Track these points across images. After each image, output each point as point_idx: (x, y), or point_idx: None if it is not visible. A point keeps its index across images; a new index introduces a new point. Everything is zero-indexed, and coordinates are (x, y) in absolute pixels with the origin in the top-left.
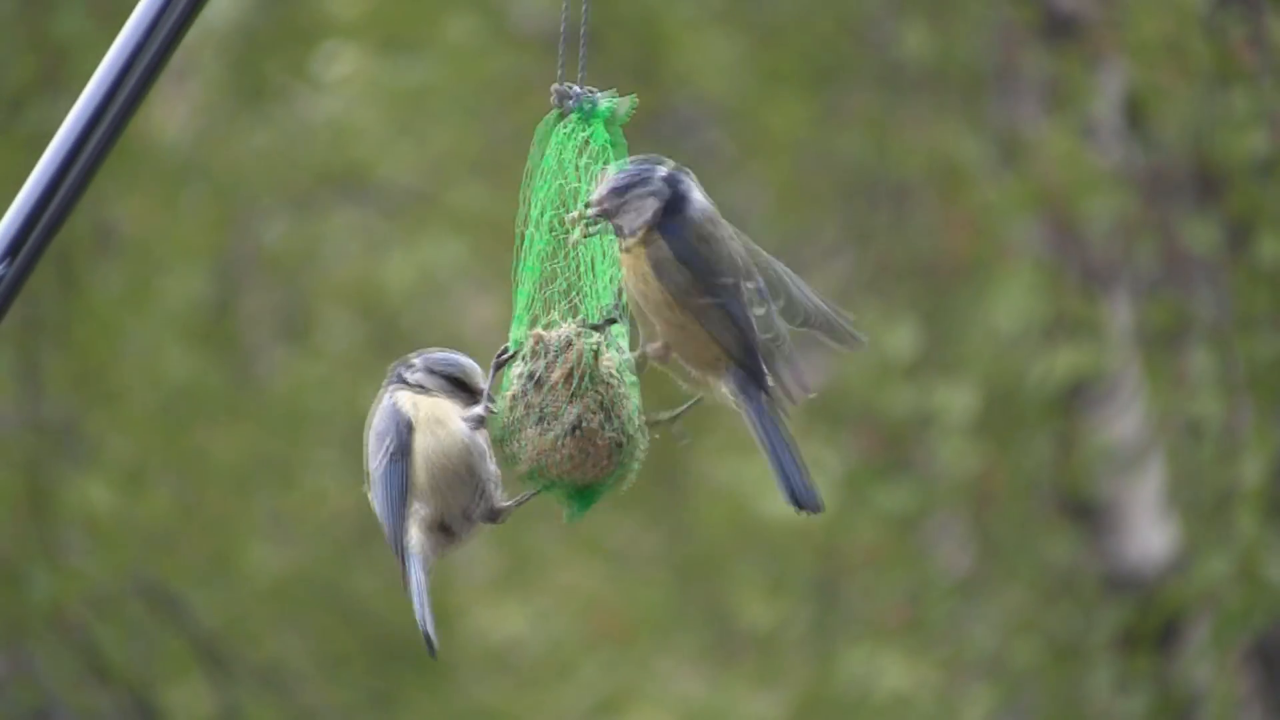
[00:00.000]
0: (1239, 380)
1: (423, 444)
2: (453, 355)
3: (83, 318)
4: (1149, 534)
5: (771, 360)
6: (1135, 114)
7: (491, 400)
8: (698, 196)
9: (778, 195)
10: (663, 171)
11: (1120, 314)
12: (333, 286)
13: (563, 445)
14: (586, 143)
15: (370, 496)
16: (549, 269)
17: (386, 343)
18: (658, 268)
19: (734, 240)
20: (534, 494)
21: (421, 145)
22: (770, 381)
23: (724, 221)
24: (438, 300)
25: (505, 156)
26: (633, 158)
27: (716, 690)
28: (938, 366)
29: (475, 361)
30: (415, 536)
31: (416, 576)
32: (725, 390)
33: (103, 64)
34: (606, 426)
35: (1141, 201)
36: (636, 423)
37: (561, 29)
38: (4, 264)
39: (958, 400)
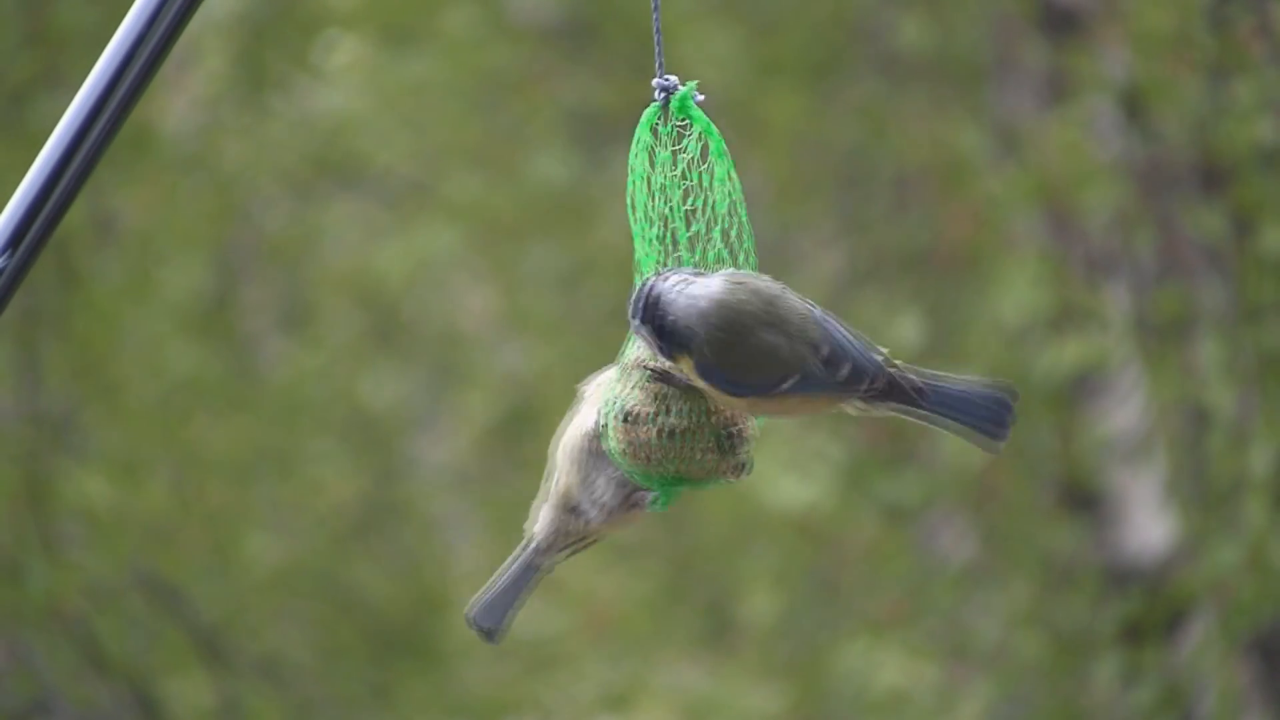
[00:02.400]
0: (1247, 370)
1: (565, 420)
2: None
3: (82, 309)
4: (1148, 525)
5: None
6: (1135, 105)
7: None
8: (680, 314)
9: (776, 186)
10: (639, 300)
11: (1121, 305)
12: (332, 277)
13: (615, 431)
14: (700, 137)
15: None
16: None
17: (386, 333)
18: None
19: (778, 312)
20: (643, 489)
21: (420, 136)
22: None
23: (759, 288)
24: (436, 290)
25: (503, 148)
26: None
27: (716, 682)
28: (942, 358)
29: None
30: (542, 517)
31: (513, 559)
32: (859, 409)
33: (104, 55)
34: (661, 416)
35: (1141, 193)
36: (702, 417)
37: (654, 22)
38: (5, 256)
39: None
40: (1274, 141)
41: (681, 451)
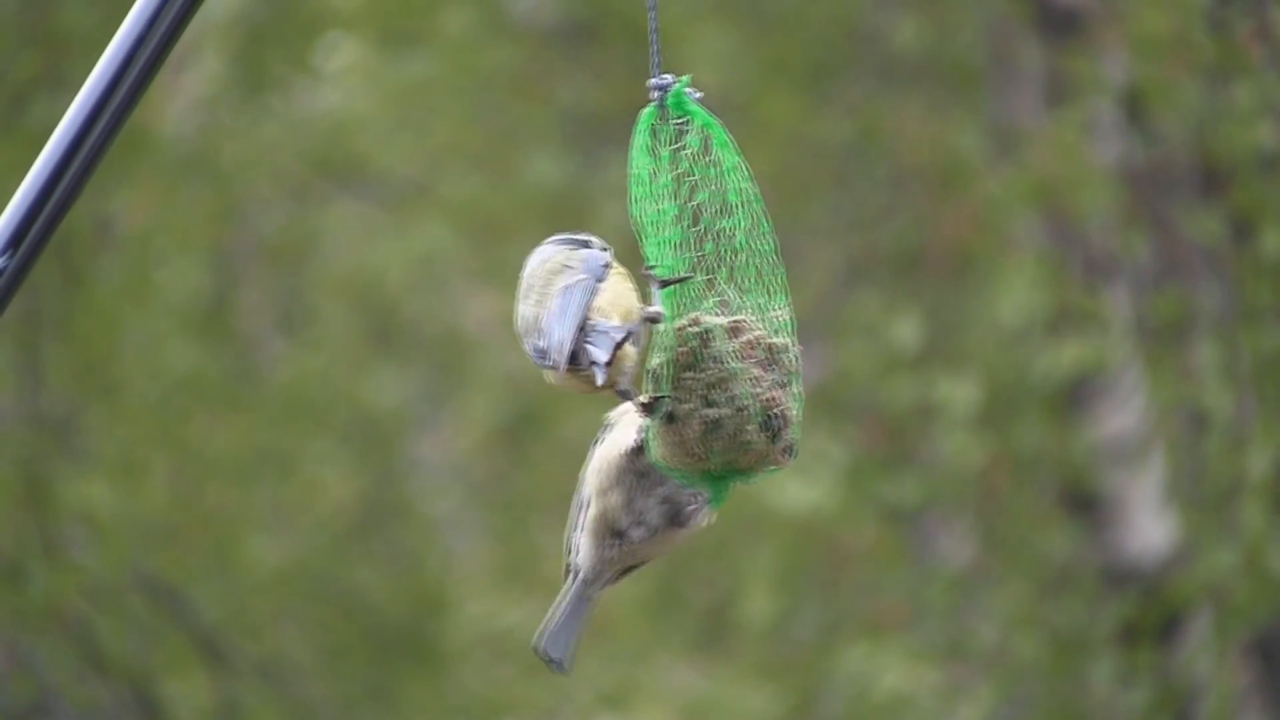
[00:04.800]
0: (1244, 373)
1: (598, 450)
2: None
3: (83, 310)
4: (1149, 527)
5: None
6: (1135, 108)
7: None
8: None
9: (774, 186)
10: None
11: (1121, 307)
12: (332, 278)
13: (659, 436)
14: (702, 131)
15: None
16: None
17: (385, 334)
18: None
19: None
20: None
21: (420, 137)
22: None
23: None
24: (437, 292)
25: (501, 148)
26: None
27: (715, 684)
28: (940, 359)
29: None
30: (583, 547)
31: (565, 592)
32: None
33: (104, 56)
34: (701, 409)
35: (1140, 196)
36: (742, 402)
37: (651, 22)
38: (5, 257)
39: (960, 393)
40: (1273, 145)
41: (733, 441)
